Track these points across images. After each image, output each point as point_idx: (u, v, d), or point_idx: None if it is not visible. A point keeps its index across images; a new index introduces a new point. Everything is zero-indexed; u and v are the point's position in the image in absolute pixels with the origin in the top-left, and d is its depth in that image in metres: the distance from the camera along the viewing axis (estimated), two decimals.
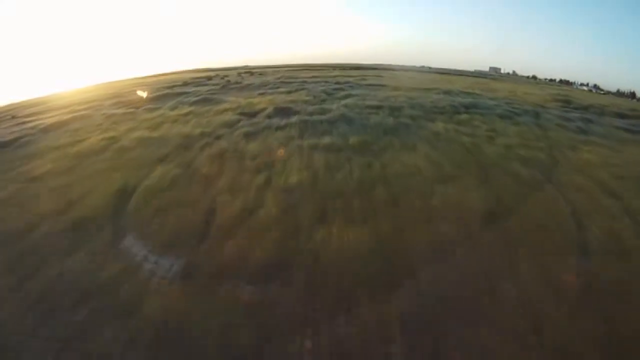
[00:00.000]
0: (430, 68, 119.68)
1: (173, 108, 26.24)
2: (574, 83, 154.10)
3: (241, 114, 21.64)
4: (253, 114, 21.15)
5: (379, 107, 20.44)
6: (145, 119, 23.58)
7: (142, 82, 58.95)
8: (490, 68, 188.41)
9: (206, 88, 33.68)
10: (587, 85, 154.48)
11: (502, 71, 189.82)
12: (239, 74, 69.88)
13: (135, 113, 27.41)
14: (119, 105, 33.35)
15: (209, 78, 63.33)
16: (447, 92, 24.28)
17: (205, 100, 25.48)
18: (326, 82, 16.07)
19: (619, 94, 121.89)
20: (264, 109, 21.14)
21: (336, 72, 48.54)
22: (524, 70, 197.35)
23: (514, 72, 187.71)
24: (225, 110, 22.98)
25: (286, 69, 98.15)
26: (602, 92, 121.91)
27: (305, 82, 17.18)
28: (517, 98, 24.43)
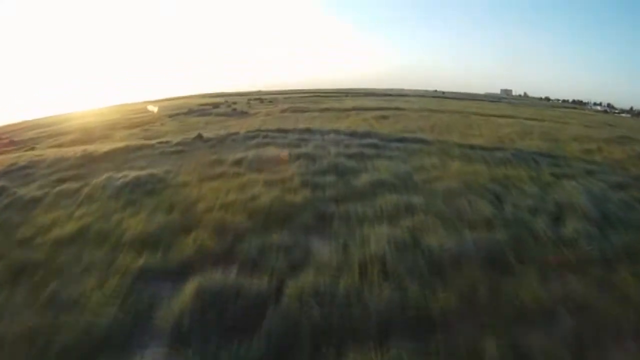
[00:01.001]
0: (444, 93, 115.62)
1: None
2: (588, 103, 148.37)
3: None
4: None
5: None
6: None
7: (133, 110, 55.83)
8: (502, 90, 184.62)
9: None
10: (601, 104, 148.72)
11: (513, 93, 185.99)
12: (249, 101, 66.69)
13: None
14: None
15: (216, 106, 60.23)
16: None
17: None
18: (337, 132, 12.00)
19: (634, 112, 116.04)
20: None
21: (349, 102, 44.40)
22: (535, 92, 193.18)
23: (525, 94, 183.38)
24: None
25: (297, 94, 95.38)
26: (617, 112, 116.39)
27: (309, 131, 13.06)
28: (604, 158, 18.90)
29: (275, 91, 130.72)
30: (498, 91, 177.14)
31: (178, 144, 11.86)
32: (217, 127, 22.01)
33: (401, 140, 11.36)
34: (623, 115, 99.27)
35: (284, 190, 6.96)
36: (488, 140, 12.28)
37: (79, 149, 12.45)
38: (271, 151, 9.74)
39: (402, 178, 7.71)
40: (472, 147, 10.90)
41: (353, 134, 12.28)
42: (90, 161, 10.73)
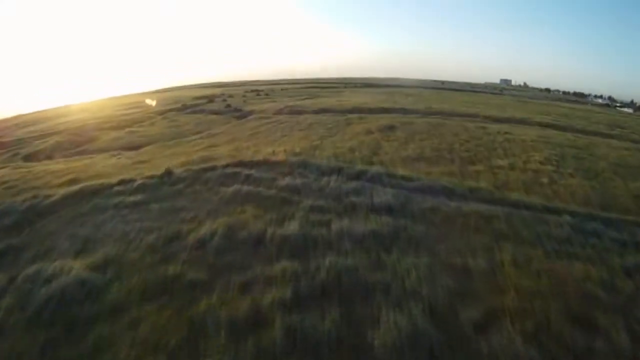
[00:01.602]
0: (442, 83, 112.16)
1: None
2: (589, 95, 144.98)
3: None
4: None
5: None
6: None
7: (128, 104, 52.73)
8: (501, 80, 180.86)
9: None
10: (602, 97, 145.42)
11: (512, 83, 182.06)
12: (244, 95, 63.57)
13: None
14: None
15: (211, 99, 57.14)
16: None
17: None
18: (340, 171, 9.51)
19: (635, 106, 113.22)
20: None
21: (347, 97, 41.39)
22: (535, 82, 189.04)
23: (525, 84, 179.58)
24: None
25: (294, 85, 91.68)
26: (618, 105, 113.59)
27: (305, 165, 10.65)
28: None
29: (273, 81, 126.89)
30: (497, 81, 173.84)
31: (139, 188, 9.30)
32: (200, 144, 19.36)
33: (428, 190, 8.50)
34: (625, 109, 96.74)
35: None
36: (527, 185, 9.68)
37: (29, 195, 9.84)
38: (250, 221, 7.14)
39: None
40: (526, 206, 8.14)
41: (360, 176, 9.50)
42: (31, 220, 8.21)
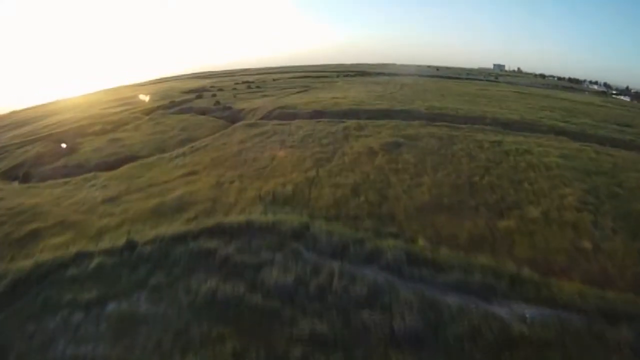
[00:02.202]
0: (437, 69, 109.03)
1: None
2: (584, 82, 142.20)
3: None
4: None
5: None
6: None
7: (118, 100, 49.57)
8: (494, 65, 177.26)
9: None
10: (597, 83, 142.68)
11: (506, 68, 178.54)
12: (234, 88, 60.41)
13: None
14: None
15: (199, 95, 53.93)
16: None
17: None
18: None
19: (632, 93, 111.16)
20: None
21: (342, 91, 38.35)
22: (529, 67, 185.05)
23: (519, 69, 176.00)
24: None
25: (286, 74, 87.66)
26: (614, 92, 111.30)
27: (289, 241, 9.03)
28: None
29: (264, 69, 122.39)
30: (491, 66, 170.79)
31: (96, 272, 7.10)
32: (179, 168, 17.06)
33: (462, 288, 6.18)
34: (622, 97, 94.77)
35: None
36: (571, 259, 7.57)
37: None
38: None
39: None
40: (578, 311, 6.05)
41: (373, 259, 7.06)
42: None
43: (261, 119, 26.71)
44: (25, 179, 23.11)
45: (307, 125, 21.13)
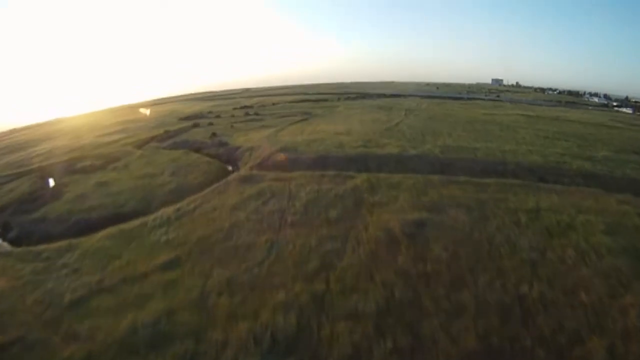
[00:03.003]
0: (437, 88, 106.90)
1: None
2: (584, 94, 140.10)
3: None
4: None
5: None
6: None
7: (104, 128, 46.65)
8: (493, 80, 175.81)
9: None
10: (597, 95, 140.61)
11: (504, 83, 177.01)
12: (232, 115, 57.69)
13: None
14: None
15: (197, 124, 51.09)
16: None
17: None
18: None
19: (632, 104, 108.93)
20: None
21: (343, 118, 35.35)
22: (527, 81, 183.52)
23: (517, 83, 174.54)
24: None
25: (287, 97, 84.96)
26: (615, 105, 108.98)
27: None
28: None
29: (264, 90, 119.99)
30: (489, 81, 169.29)
31: None
32: (158, 251, 14.05)
33: None
34: (623, 110, 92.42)
35: None
36: None
37: None
38: None
39: None
40: None
41: None
42: None
43: (258, 164, 23.75)
44: (5, 229, 20.96)
45: (310, 183, 18.08)
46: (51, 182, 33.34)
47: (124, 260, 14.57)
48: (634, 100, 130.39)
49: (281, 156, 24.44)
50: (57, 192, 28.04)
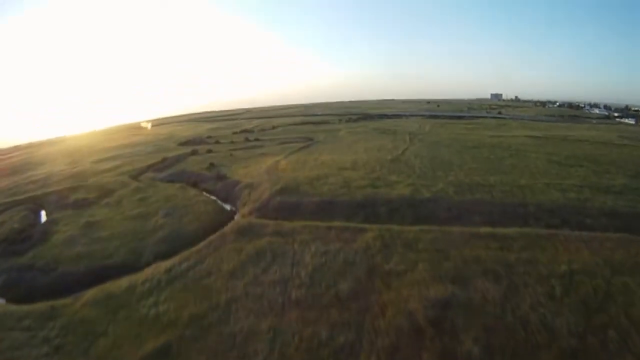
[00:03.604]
0: (438, 106, 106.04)
1: None
2: (584, 107, 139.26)
3: None
4: None
5: None
6: None
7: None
8: (492, 95, 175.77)
9: None
10: (598, 106, 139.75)
11: (503, 97, 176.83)
12: (232, 141, 56.10)
13: None
14: None
15: (195, 151, 49.52)
16: None
17: None
18: None
19: (633, 114, 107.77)
20: None
21: (345, 142, 33.34)
22: (526, 94, 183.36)
23: (516, 97, 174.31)
24: None
25: (288, 118, 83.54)
26: (617, 116, 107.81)
27: None
28: None
29: (265, 110, 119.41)
30: (488, 96, 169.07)
31: None
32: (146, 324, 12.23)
33: None
34: (627, 121, 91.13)
35: None
36: None
37: None
38: None
39: None
40: None
41: None
42: None
43: (258, 209, 22.00)
44: None
45: (315, 240, 16.22)
46: (43, 216, 31.93)
47: (110, 339, 12.75)
48: (634, 109, 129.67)
49: (282, 202, 22.57)
50: (47, 232, 26.57)
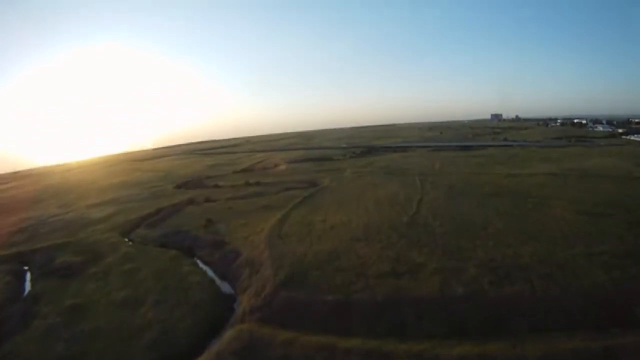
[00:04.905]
0: (441, 133, 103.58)
1: None
2: (587, 124, 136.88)
3: None
4: None
5: None
6: None
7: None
8: (492, 115, 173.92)
9: None
10: (601, 122, 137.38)
11: (504, 117, 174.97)
12: (233, 185, 52.96)
13: None
14: None
15: (192, 200, 46.39)
16: None
17: None
18: None
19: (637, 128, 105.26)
20: None
21: (348, 168, 30.22)
22: (525, 112, 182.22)
23: (517, 116, 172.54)
24: None
25: (294, 153, 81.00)
26: (621, 131, 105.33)
27: None
28: None
29: (264, 141, 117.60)
30: (488, 116, 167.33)
31: None
32: None
33: None
34: (633, 138, 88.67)
35: None
36: None
37: None
38: None
39: None
40: None
41: None
42: None
43: (261, 309, 18.67)
44: None
45: None
46: (27, 282, 29.13)
47: None
48: (635, 121, 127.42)
49: (289, 298, 19.17)
50: (27, 313, 23.82)
